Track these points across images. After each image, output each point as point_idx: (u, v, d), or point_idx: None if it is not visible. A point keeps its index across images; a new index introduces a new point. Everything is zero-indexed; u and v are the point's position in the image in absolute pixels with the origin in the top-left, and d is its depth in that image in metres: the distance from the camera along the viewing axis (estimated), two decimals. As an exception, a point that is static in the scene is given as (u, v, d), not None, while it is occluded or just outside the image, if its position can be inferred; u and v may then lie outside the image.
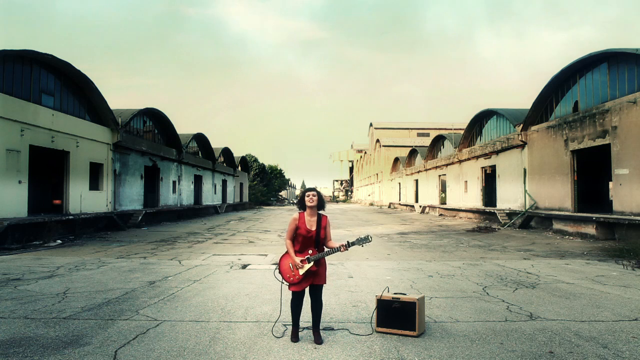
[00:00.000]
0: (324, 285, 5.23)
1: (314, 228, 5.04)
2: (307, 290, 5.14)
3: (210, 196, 41.69)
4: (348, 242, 4.94)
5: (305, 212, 5.11)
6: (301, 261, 4.95)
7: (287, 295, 5.37)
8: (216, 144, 44.99)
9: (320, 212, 5.20)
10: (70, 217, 18.34)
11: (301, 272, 4.94)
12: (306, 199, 5.06)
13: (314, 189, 5.18)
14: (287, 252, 5.12)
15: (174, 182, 32.26)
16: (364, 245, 4.98)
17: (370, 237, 5.02)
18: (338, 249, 4.93)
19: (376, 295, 5.55)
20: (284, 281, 5.09)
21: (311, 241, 5.04)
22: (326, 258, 5.14)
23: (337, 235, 17.50)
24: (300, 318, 5.24)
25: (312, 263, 4.94)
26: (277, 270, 5.14)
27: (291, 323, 5.19)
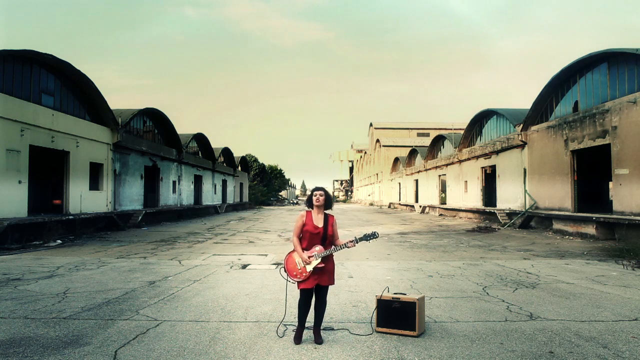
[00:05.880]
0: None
1: (320, 225, 5.10)
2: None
3: (210, 196, 41.70)
4: (356, 238, 5.04)
5: (312, 211, 5.19)
6: (309, 257, 4.97)
7: (292, 295, 5.35)
8: (216, 144, 45.07)
9: (327, 211, 5.25)
10: (70, 217, 18.35)
11: (308, 268, 4.96)
12: (313, 198, 5.16)
13: (321, 189, 5.26)
14: (292, 251, 5.14)
15: (174, 182, 32.26)
16: (370, 240, 5.08)
17: (377, 233, 5.14)
18: (345, 245, 5.01)
19: (376, 295, 5.56)
20: (291, 279, 5.06)
21: (318, 238, 5.08)
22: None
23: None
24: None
25: (319, 260, 4.97)
26: (283, 269, 5.13)
27: (291, 323, 5.18)
